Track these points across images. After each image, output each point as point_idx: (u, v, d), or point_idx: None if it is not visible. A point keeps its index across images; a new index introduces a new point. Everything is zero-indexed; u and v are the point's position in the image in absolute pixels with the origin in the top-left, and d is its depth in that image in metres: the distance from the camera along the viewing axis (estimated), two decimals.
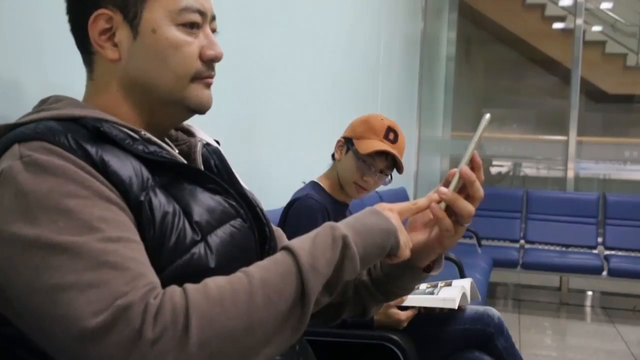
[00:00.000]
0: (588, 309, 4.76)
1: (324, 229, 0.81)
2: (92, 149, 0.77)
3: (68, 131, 0.78)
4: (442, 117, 6.01)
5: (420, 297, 1.70)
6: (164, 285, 0.73)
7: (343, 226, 0.82)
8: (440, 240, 0.92)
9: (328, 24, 3.06)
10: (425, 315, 1.76)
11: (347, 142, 1.84)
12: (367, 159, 1.77)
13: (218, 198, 0.88)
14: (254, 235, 0.92)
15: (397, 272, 0.98)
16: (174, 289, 0.70)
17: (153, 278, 0.71)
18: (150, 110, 0.91)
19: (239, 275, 0.73)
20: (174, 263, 0.79)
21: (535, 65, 6.72)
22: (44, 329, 0.68)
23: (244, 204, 0.93)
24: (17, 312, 0.72)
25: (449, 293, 1.70)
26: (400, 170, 1.83)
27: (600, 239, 4.67)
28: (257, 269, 0.75)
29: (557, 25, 6.47)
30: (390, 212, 0.86)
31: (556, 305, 4.72)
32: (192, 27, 0.89)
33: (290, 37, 2.58)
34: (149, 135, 0.87)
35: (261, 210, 0.98)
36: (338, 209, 1.86)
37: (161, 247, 0.78)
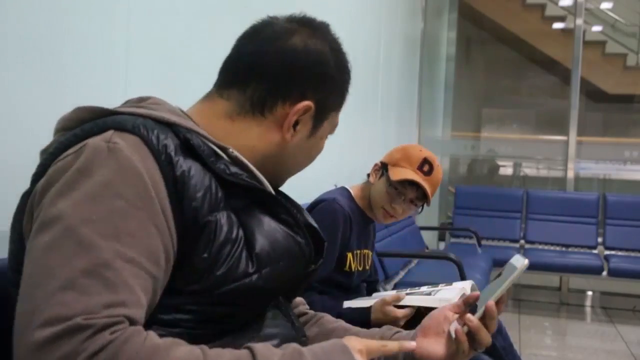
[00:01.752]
0: (588, 309, 4.76)
1: (292, 354, 0.77)
2: (176, 158, 0.80)
3: (162, 134, 0.80)
4: (442, 117, 6.01)
5: (418, 298, 1.70)
6: (208, 303, 0.78)
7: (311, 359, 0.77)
8: (453, 358, 0.97)
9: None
10: (425, 313, 1.76)
11: (382, 167, 1.85)
12: (397, 186, 1.79)
13: (286, 231, 0.90)
14: (305, 271, 0.95)
15: None
16: (137, 339, 0.69)
17: (133, 312, 0.71)
18: (258, 169, 0.95)
19: (197, 351, 0.73)
20: (220, 288, 0.81)
21: (535, 65, 6.72)
22: (17, 309, 0.70)
23: (312, 237, 0.96)
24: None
25: (447, 294, 1.70)
26: (428, 203, 1.84)
27: (600, 239, 4.67)
28: (216, 354, 0.74)
29: (557, 25, 6.47)
30: (360, 354, 0.80)
31: (556, 305, 4.72)
32: None
33: None
34: (236, 153, 0.89)
35: (326, 245, 1.02)
36: (363, 222, 1.89)
37: (210, 271, 0.80)
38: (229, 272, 0.81)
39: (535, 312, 4.44)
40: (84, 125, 0.82)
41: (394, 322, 1.67)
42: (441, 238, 5.28)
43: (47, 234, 0.71)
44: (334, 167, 3.08)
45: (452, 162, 6.01)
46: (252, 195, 0.88)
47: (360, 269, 1.87)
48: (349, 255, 1.81)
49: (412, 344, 0.88)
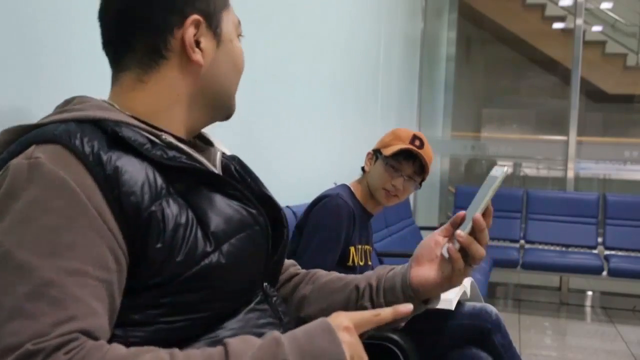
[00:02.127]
0: (588, 309, 4.75)
1: (270, 344, 0.73)
2: (106, 156, 0.78)
3: (85, 135, 0.78)
4: (442, 117, 6.01)
5: None
6: (176, 292, 0.76)
7: (289, 347, 0.73)
8: (450, 279, 0.97)
9: (328, 24, 3.06)
10: (424, 311, 1.77)
11: (375, 153, 1.90)
12: (393, 162, 1.82)
13: (236, 205, 0.89)
14: (267, 241, 0.93)
15: (398, 302, 0.98)
16: (96, 355, 0.68)
17: (88, 324, 0.70)
18: (200, 114, 0.95)
19: (162, 355, 0.72)
20: (182, 275, 0.79)
21: (535, 65, 6.71)
22: None
23: (267, 207, 0.95)
24: None
25: (447, 294, 1.70)
26: (426, 173, 1.87)
27: (600, 239, 4.67)
28: (186, 356, 0.73)
29: (557, 25, 6.47)
30: (347, 331, 0.76)
31: (556, 305, 4.72)
32: (239, 37, 0.99)
33: (290, 37, 2.58)
34: (170, 139, 0.87)
35: (284, 213, 1.00)
36: (364, 218, 1.91)
37: (169, 259, 0.79)
38: (188, 256, 0.80)
39: (535, 312, 4.44)
40: (9, 147, 0.81)
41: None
42: None
43: None
44: (334, 167, 3.08)
45: (452, 162, 6.01)
46: (195, 175, 0.86)
47: (362, 264, 1.88)
48: (352, 249, 1.83)
49: (408, 307, 0.83)
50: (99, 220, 0.75)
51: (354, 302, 1.04)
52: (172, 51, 0.90)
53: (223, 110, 0.99)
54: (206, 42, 0.92)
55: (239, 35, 0.99)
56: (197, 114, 0.94)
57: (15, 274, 0.69)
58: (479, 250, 0.93)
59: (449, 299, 1.67)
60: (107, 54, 0.94)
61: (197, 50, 0.90)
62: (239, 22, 0.99)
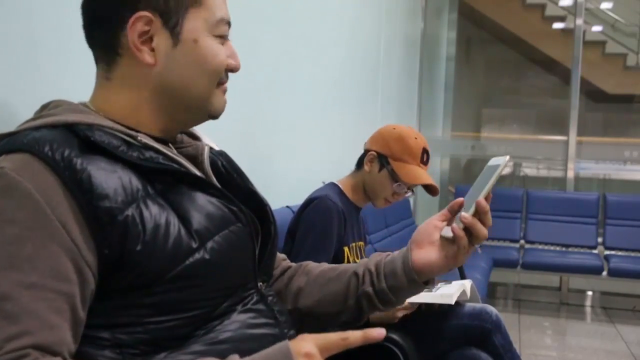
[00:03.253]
0: (588, 309, 4.75)
1: None
2: (77, 161, 0.76)
3: (55, 142, 0.77)
4: (442, 117, 6.01)
5: (418, 295, 1.70)
6: (162, 292, 0.76)
7: None
8: (455, 258, 0.98)
9: (328, 24, 3.06)
10: (424, 310, 1.77)
11: (380, 159, 1.85)
12: (404, 182, 1.82)
13: (217, 203, 0.88)
14: (252, 239, 0.92)
15: (401, 285, 1.01)
16: None
17: (43, 338, 0.69)
18: (170, 114, 0.92)
19: None
20: (170, 272, 0.79)
21: (535, 65, 6.71)
22: None
23: (252, 203, 0.94)
24: None
25: (447, 290, 1.71)
26: (435, 193, 1.87)
27: (600, 239, 4.67)
28: None
29: (557, 25, 6.46)
30: (306, 358, 0.73)
31: (556, 305, 4.72)
32: (222, 37, 0.93)
33: (290, 37, 2.58)
34: (145, 140, 0.86)
35: (270, 209, 0.99)
36: (353, 213, 1.90)
37: (152, 260, 0.78)
38: (172, 255, 0.79)
39: (535, 312, 4.44)
40: None
41: (391, 319, 1.68)
42: None
43: None
44: (334, 167, 3.08)
45: (452, 162, 6.01)
46: (174, 175, 0.85)
47: (357, 261, 1.88)
48: (346, 249, 1.82)
49: (381, 332, 0.76)
50: (62, 231, 0.73)
51: (354, 289, 1.04)
52: (125, 49, 0.87)
53: (197, 111, 0.94)
54: (159, 40, 0.87)
55: (220, 35, 0.92)
56: (166, 114, 0.91)
57: None
58: (482, 230, 0.96)
59: (449, 294, 1.68)
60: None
61: (143, 48, 0.86)
62: (222, 21, 0.92)
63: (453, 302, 1.68)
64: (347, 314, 1.06)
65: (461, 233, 0.95)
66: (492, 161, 1.01)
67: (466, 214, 0.97)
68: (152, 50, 0.87)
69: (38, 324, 0.69)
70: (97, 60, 0.91)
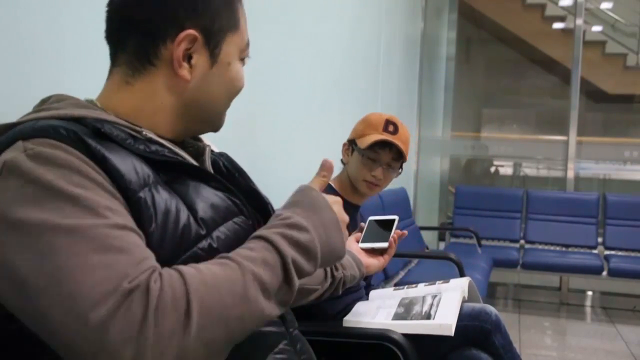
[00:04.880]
0: (588, 309, 4.76)
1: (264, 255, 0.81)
2: (92, 143, 0.77)
3: (66, 128, 0.78)
4: (442, 117, 6.01)
5: (416, 323, 1.60)
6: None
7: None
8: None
9: (328, 24, 3.06)
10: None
11: (350, 144, 1.88)
12: (369, 153, 1.81)
13: (221, 195, 0.90)
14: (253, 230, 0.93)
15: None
16: (171, 273, 0.71)
17: (154, 262, 0.72)
18: (187, 123, 0.94)
19: (231, 265, 0.75)
20: (179, 258, 0.80)
21: (535, 65, 6.71)
22: (48, 318, 0.66)
23: (253, 201, 0.97)
24: (21, 304, 0.70)
25: (445, 318, 1.59)
26: (404, 159, 1.86)
27: (600, 239, 4.67)
28: (246, 260, 0.76)
29: (557, 25, 6.47)
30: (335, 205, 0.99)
31: (556, 305, 4.72)
32: (243, 60, 0.99)
33: (290, 37, 2.58)
34: (150, 135, 0.87)
35: (272, 207, 1.01)
36: (349, 211, 1.86)
37: (163, 242, 0.79)
38: (182, 240, 0.81)
39: (535, 312, 4.44)
40: None
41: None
42: (441, 238, 5.29)
43: (32, 250, 0.68)
44: (334, 167, 3.07)
45: (452, 162, 6.01)
46: (179, 168, 0.87)
47: None
48: None
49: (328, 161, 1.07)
50: (111, 187, 0.76)
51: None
52: (161, 60, 0.89)
53: (209, 124, 0.99)
54: (199, 59, 0.90)
55: (245, 57, 0.98)
56: (181, 125, 0.94)
57: (70, 239, 0.68)
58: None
59: (448, 325, 1.54)
60: (108, 45, 0.93)
61: (184, 65, 0.89)
62: (248, 45, 0.98)
63: (452, 334, 1.53)
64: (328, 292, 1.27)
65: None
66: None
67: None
68: (191, 66, 0.90)
69: (146, 252, 0.73)
70: (120, 62, 0.91)
